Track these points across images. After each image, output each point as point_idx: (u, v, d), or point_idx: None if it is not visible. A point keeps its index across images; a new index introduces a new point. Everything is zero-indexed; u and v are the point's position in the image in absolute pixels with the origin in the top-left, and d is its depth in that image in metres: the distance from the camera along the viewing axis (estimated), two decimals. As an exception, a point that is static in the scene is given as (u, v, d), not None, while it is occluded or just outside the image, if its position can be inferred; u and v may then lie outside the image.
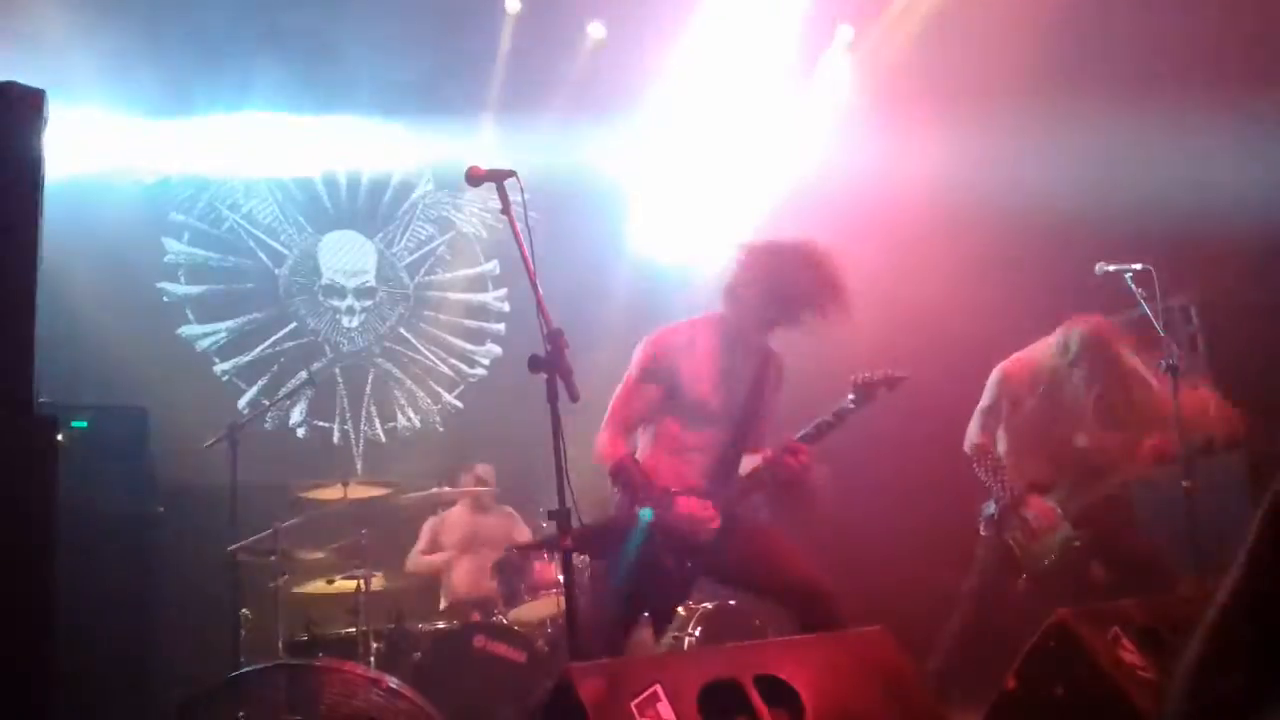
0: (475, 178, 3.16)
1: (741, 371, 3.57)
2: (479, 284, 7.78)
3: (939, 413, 4.96)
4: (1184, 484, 4.15)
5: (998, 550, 4.46)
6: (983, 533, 4.57)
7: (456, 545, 6.05)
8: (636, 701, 2.29)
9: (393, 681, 3.35)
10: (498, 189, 3.12)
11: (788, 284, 3.46)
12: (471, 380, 7.61)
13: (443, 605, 5.94)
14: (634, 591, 3.40)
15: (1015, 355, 4.61)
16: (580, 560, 4.60)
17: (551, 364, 2.91)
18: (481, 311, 7.75)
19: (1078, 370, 4.39)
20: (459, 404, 7.53)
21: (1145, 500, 4.61)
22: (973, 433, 4.57)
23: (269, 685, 3.14)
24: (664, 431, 3.52)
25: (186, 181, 6.91)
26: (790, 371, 3.77)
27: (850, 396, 3.55)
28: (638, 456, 3.52)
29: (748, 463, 3.58)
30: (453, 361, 7.59)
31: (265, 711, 3.05)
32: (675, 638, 5.32)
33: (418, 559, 6.06)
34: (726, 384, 3.53)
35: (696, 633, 5.31)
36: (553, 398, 2.91)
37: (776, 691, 2.49)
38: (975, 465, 4.54)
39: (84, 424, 5.00)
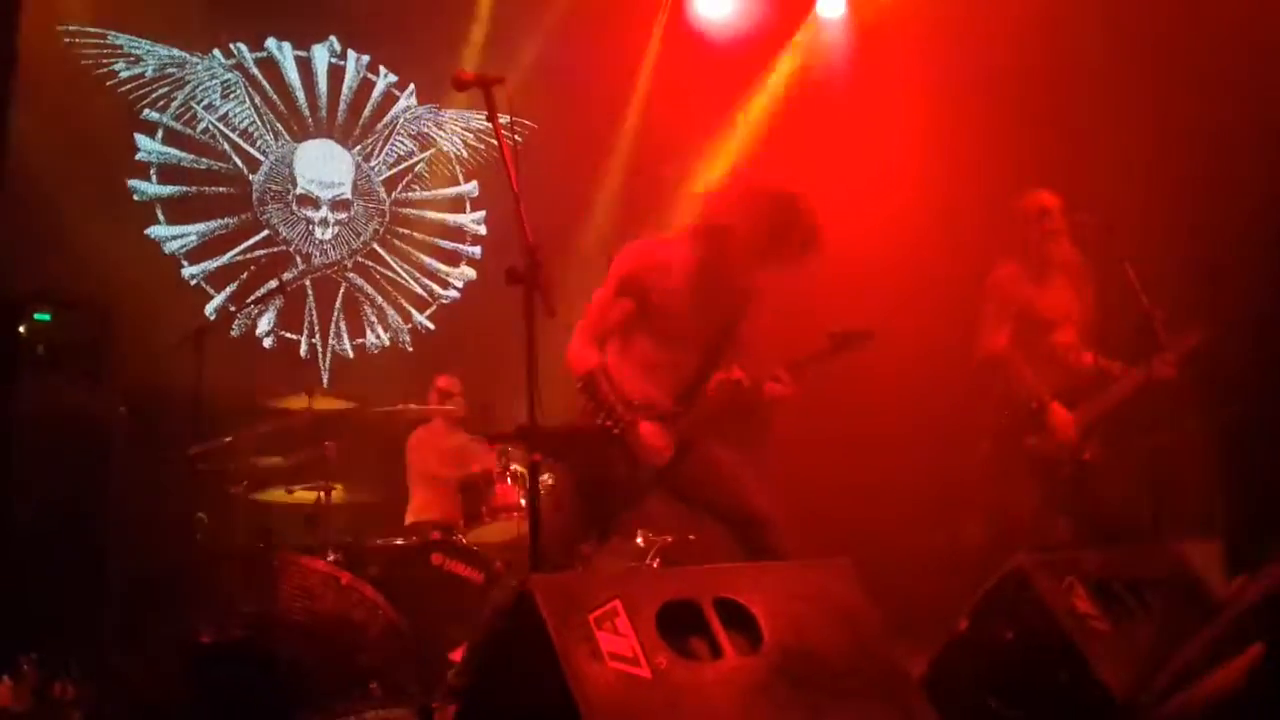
0: (461, 83, 3.10)
1: (717, 300, 3.54)
2: (457, 204, 7.68)
3: (918, 359, 4.97)
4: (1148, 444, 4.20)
5: (1013, 460, 4.30)
6: (990, 445, 4.40)
7: (421, 463, 6.02)
8: (595, 615, 2.29)
9: (349, 578, 3.33)
10: (484, 95, 3.05)
11: (777, 231, 3.44)
12: (444, 301, 7.54)
13: (408, 520, 5.93)
14: (588, 495, 3.43)
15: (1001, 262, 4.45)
16: (544, 480, 4.59)
17: (529, 277, 2.88)
18: (457, 233, 7.65)
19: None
20: (430, 325, 7.47)
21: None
22: (987, 341, 4.35)
23: (224, 576, 3.12)
24: (634, 346, 3.51)
25: (162, 79, 6.74)
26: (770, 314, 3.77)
27: (826, 344, 3.58)
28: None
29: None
30: (425, 281, 7.51)
31: (220, 601, 3.04)
32: (634, 569, 5.35)
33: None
34: (700, 310, 3.50)
35: (655, 565, 5.33)
36: (528, 312, 2.88)
37: (735, 615, 2.50)
38: (993, 373, 4.34)
39: (47, 316, 4.90)
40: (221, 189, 6.88)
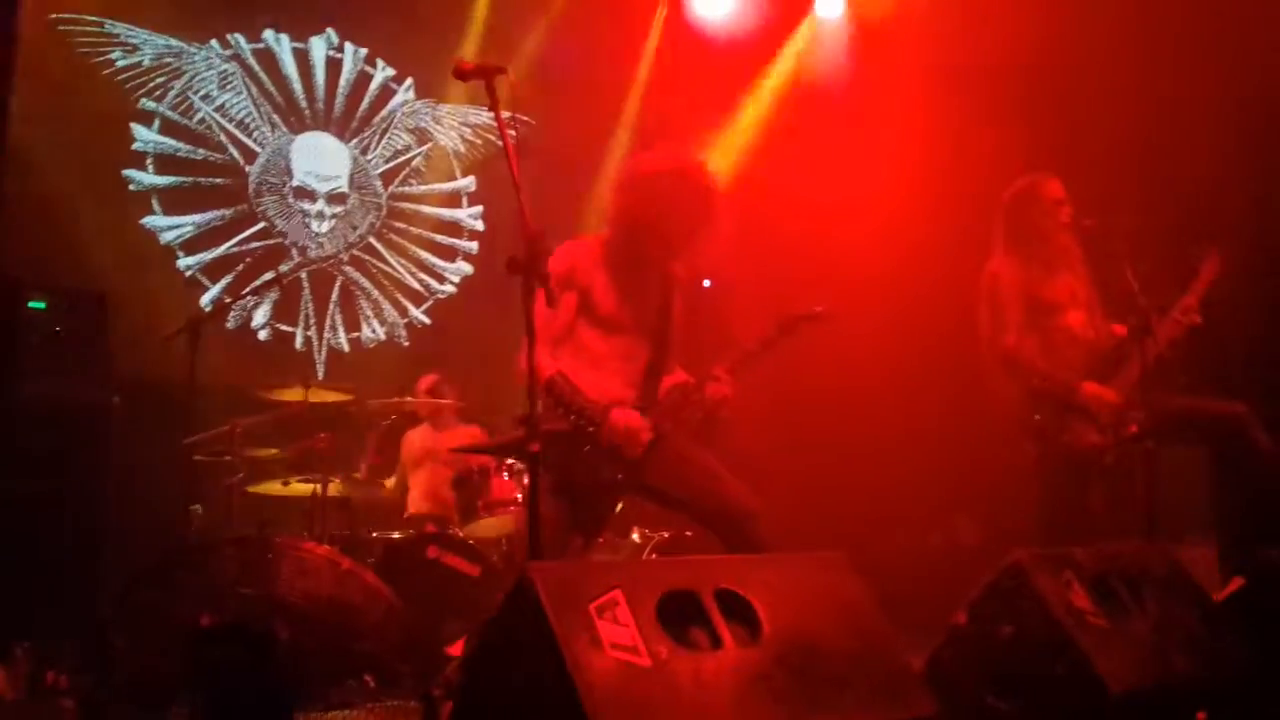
0: (463, 72, 3.08)
1: (645, 287, 3.59)
2: (454, 199, 7.67)
3: (917, 358, 4.96)
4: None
5: (1058, 459, 4.06)
6: (1034, 449, 4.15)
7: (410, 461, 6.02)
8: (595, 604, 2.28)
9: (350, 563, 3.32)
10: (486, 86, 3.04)
11: (674, 209, 3.47)
12: (440, 296, 7.53)
13: (405, 514, 5.92)
14: (568, 503, 3.41)
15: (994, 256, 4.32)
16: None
17: (529, 267, 2.87)
18: (454, 228, 7.64)
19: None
20: (425, 320, 7.45)
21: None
22: (1000, 340, 4.14)
23: (223, 559, 3.10)
24: (583, 343, 3.53)
25: (159, 68, 6.72)
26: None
27: (773, 328, 3.60)
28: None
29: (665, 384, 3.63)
30: (421, 276, 7.50)
31: (217, 584, 3.01)
32: (634, 560, 5.34)
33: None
34: (631, 298, 3.55)
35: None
36: (528, 302, 2.87)
37: (735, 606, 2.49)
38: (1011, 375, 4.13)
39: (42, 305, 4.87)
40: (218, 180, 6.86)
